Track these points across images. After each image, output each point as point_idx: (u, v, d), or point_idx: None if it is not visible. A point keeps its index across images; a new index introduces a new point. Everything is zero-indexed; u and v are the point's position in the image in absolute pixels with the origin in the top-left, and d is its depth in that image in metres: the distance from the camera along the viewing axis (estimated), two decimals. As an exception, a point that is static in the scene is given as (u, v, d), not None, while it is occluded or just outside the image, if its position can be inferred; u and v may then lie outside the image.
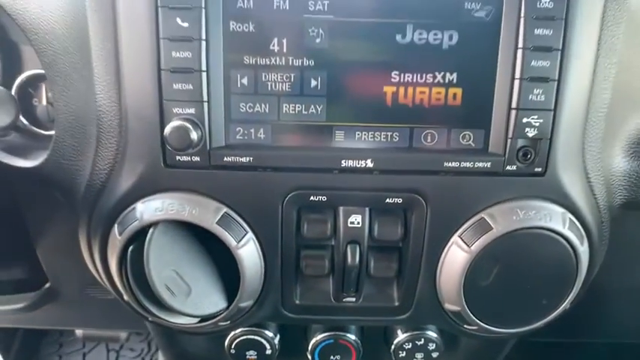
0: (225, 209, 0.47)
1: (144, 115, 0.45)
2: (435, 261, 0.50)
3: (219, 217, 0.46)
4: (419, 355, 0.66)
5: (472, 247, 0.47)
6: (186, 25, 0.42)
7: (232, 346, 0.67)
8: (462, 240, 0.48)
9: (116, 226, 0.48)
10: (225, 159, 0.46)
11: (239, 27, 0.44)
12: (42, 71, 0.60)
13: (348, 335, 0.66)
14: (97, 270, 0.54)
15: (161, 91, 0.44)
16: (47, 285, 0.78)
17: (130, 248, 0.46)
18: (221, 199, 0.47)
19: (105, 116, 0.48)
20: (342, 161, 0.46)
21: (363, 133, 0.46)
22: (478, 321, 0.50)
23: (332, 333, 0.66)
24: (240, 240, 0.47)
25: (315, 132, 0.46)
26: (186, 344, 0.73)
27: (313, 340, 0.67)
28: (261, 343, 0.67)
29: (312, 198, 0.47)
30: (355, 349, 0.67)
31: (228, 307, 0.49)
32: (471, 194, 0.48)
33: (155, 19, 0.43)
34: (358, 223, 0.48)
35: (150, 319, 0.51)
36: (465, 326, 0.53)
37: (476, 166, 0.46)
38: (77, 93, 0.50)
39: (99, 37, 0.46)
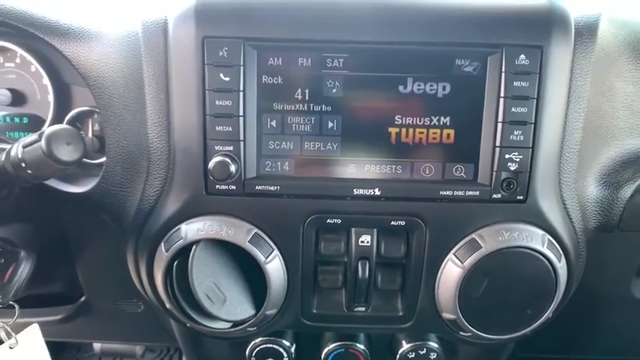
0: (255, 230, 0.56)
1: (190, 152, 0.55)
2: (433, 275, 0.58)
3: (250, 237, 0.55)
4: None
5: (465, 263, 0.55)
6: (227, 79, 0.52)
7: (253, 354, 0.75)
8: (456, 257, 0.56)
9: (163, 244, 0.56)
10: (256, 187, 0.55)
11: (270, 80, 0.54)
12: (88, 108, 0.70)
13: (357, 345, 0.73)
14: (140, 282, 0.63)
15: (205, 132, 0.54)
16: (82, 299, 0.86)
17: (175, 263, 0.55)
18: (252, 221, 0.56)
19: (155, 152, 0.57)
20: (354, 190, 0.55)
21: (372, 166, 0.55)
22: (471, 328, 0.58)
23: (343, 343, 0.73)
24: (268, 256, 0.55)
25: (331, 165, 0.55)
26: (210, 352, 0.81)
27: (326, 349, 0.74)
28: (279, 351, 0.74)
29: (328, 221, 0.56)
30: (364, 358, 0.74)
31: (256, 315, 0.57)
32: (463, 218, 0.56)
33: (202, 74, 0.53)
34: (367, 242, 0.57)
35: (188, 324, 0.59)
36: (461, 333, 0.61)
37: (467, 194, 0.55)
38: (129, 131, 0.59)
39: (153, 89, 0.56)
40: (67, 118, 0.71)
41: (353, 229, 0.57)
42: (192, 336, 0.78)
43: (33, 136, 0.52)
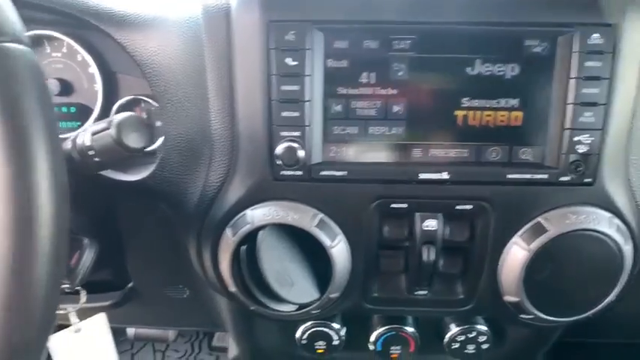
0: (321, 215, 0.56)
1: (255, 138, 0.54)
2: (496, 258, 0.58)
3: (317, 222, 0.55)
4: (470, 347, 0.73)
5: (531, 246, 0.55)
6: (295, 63, 0.52)
7: (303, 338, 0.75)
8: (522, 240, 0.56)
9: (228, 229, 0.57)
10: (321, 173, 0.55)
11: (335, 63, 0.53)
12: (136, 96, 0.70)
13: (407, 328, 0.74)
14: (202, 267, 0.63)
15: (270, 118, 0.53)
16: (130, 285, 0.87)
17: (244, 248, 0.55)
18: (317, 206, 0.56)
19: (219, 139, 0.57)
20: (420, 174, 0.54)
21: (437, 149, 0.55)
22: (535, 310, 0.58)
23: (393, 326, 0.74)
24: (334, 240, 0.56)
25: (397, 149, 0.55)
26: (260, 335, 0.82)
27: (376, 332, 0.75)
28: (329, 334, 0.75)
29: (393, 205, 0.56)
30: (414, 340, 0.75)
31: (320, 298, 0.57)
32: (529, 201, 0.55)
33: (267, 59, 0.52)
34: (433, 226, 0.56)
35: (252, 307, 0.60)
36: (522, 316, 0.61)
37: (534, 177, 0.54)
38: (188, 118, 0.59)
39: (216, 75, 0.55)
40: (115, 106, 0.71)
41: (417, 214, 0.57)
42: (244, 319, 0.79)
43: (101, 124, 0.53)
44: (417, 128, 0.54)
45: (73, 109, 0.80)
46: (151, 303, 0.91)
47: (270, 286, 0.54)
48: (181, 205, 0.62)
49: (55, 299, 0.40)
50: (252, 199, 0.56)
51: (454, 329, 0.73)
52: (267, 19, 0.51)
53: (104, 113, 0.75)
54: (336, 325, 0.74)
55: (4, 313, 0.38)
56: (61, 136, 0.42)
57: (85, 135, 0.53)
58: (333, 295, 0.59)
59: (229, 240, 0.56)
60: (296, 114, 0.52)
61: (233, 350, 0.87)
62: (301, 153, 0.52)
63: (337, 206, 0.56)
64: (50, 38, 0.77)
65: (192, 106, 0.58)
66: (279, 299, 0.55)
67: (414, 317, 0.74)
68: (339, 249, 0.56)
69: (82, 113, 0.79)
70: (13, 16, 0.39)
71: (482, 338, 0.73)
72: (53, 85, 0.76)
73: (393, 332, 0.74)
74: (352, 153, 0.55)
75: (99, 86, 0.74)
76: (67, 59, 0.78)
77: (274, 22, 0.51)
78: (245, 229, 0.55)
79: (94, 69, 0.72)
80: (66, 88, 0.77)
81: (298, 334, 0.75)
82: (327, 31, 0.52)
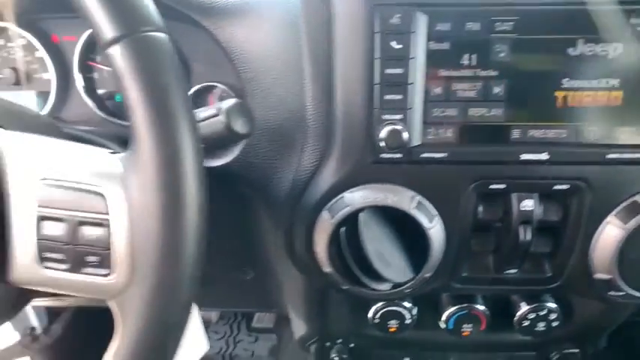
0: (419, 197, 0.57)
1: (355, 122, 0.55)
2: (589, 237, 0.59)
3: (415, 204, 0.56)
4: (540, 324, 0.75)
5: (627, 225, 0.56)
6: (399, 46, 0.52)
7: (376, 317, 0.77)
8: (618, 219, 0.57)
9: (325, 212, 0.58)
10: (421, 155, 0.55)
11: (437, 46, 0.53)
12: (209, 83, 0.70)
13: (477, 306, 0.75)
14: (290, 249, 0.65)
15: (372, 101, 0.54)
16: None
17: (342, 229, 0.57)
18: (415, 188, 0.57)
19: (314, 124, 0.58)
20: (521, 155, 0.55)
21: (537, 130, 0.55)
22: (627, 287, 0.59)
23: (464, 305, 0.76)
24: (432, 222, 0.57)
25: (496, 130, 0.56)
26: (332, 316, 0.84)
27: (448, 311, 0.76)
28: (402, 313, 0.77)
29: (491, 186, 0.57)
30: (485, 318, 0.76)
31: (414, 277, 0.59)
32: (627, 181, 0.56)
33: (371, 43, 0.53)
34: (529, 206, 0.57)
35: (345, 287, 0.61)
36: (610, 293, 0.62)
37: (633, 157, 0.55)
38: (280, 104, 0.60)
39: (314, 60, 0.56)
40: (189, 93, 0.72)
41: (514, 195, 0.57)
42: (317, 300, 0.81)
43: (208, 111, 0.54)
44: (516, 109, 0.55)
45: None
46: (214, 286, 0.93)
47: (373, 265, 0.55)
48: (268, 188, 0.63)
49: (198, 280, 0.41)
50: (349, 182, 0.57)
51: (524, 307, 0.74)
52: (372, 2, 0.51)
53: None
54: (407, 304, 0.76)
55: (158, 293, 0.39)
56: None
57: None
58: (426, 275, 0.60)
59: (327, 222, 0.57)
60: (399, 97, 0.53)
61: (300, 330, 0.90)
62: (405, 135, 0.53)
63: (435, 188, 0.57)
64: None
65: (284, 92, 0.59)
66: (379, 278, 0.57)
67: (482, 296, 0.76)
68: (436, 230, 0.57)
69: None
70: (152, 6, 0.40)
71: (552, 316, 0.74)
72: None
73: (465, 311, 0.76)
74: (451, 135, 0.56)
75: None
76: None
77: (379, 5, 0.51)
78: (344, 212, 0.56)
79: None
80: None
81: (370, 313, 0.77)
82: (430, 14, 0.52)
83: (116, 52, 0.38)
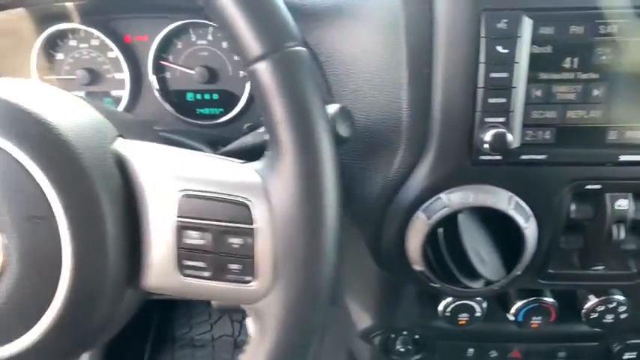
0: (515, 197, 0.58)
1: (454, 125, 0.56)
2: None
3: (513, 204, 0.57)
4: (609, 317, 0.76)
5: None
6: (506, 51, 0.53)
7: (447, 310, 0.79)
8: None
9: (420, 212, 0.59)
10: (520, 157, 0.57)
11: (540, 49, 0.54)
12: None
13: (547, 299, 0.77)
14: (375, 247, 0.66)
15: (474, 104, 0.55)
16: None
17: (440, 230, 0.58)
18: (511, 189, 0.58)
19: (410, 127, 0.58)
20: (620, 156, 0.56)
21: (634, 132, 0.56)
22: None
23: (534, 298, 0.77)
24: (527, 222, 0.58)
25: (594, 132, 0.56)
26: (402, 309, 0.86)
27: (518, 304, 0.78)
28: (473, 306, 0.78)
29: (587, 187, 0.58)
30: (555, 310, 0.78)
31: (506, 275, 0.61)
32: None
33: (476, 47, 0.53)
34: (624, 206, 0.58)
35: (436, 285, 0.63)
36: None
37: None
38: (372, 106, 0.61)
39: (416, 65, 0.56)
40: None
41: (608, 194, 0.59)
42: (391, 294, 0.83)
43: None
44: (615, 111, 0.56)
45: (215, 96, 0.82)
46: None
47: (473, 264, 0.57)
48: (356, 188, 0.64)
49: (334, 283, 0.43)
50: (446, 183, 0.58)
51: (593, 300, 0.76)
52: (480, 7, 0.52)
53: (251, 100, 0.77)
54: (478, 298, 0.78)
55: (300, 298, 0.41)
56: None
57: None
58: (517, 273, 0.62)
59: (423, 223, 0.59)
60: (503, 100, 0.54)
61: (364, 322, 0.92)
62: (510, 138, 0.54)
63: (532, 188, 0.58)
64: (195, 25, 0.78)
65: (377, 93, 0.60)
66: (473, 276, 0.59)
67: (550, 289, 0.77)
68: (531, 230, 0.59)
69: (224, 101, 0.82)
70: (292, 21, 0.41)
71: (621, 308, 0.76)
72: (198, 74, 0.78)
73: (536, 304, 0.77)
74: (549, 136, 0.57)
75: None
76: (212, 46, 0.80)
77: (487, 10, 0.52)
78: (442, 212, 0.57)
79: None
80: (212, 75, 0.79)
81: (441, 307, 0.79)
82: (536, 18, 0.53)
83: (262, 68, 0.39)
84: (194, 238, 0.42)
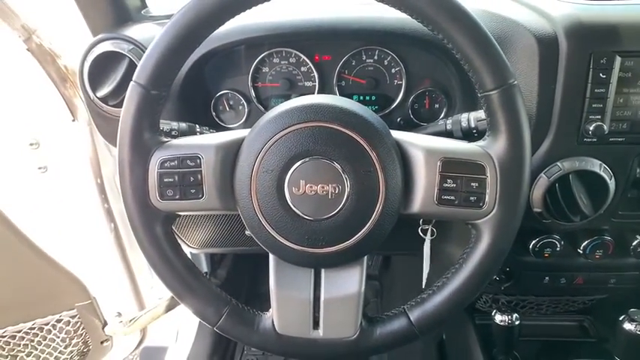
0: (604, 164, 0.93)
1: (569, 119, 0.91)
2: None
3: (602, 169, 0.93)
4: None
5: None
6: (604, 76, 0.88)
7: (537, 246, 1.13)
8: None
9: (543, 174, 0.95)
10: (609, 140, 0.92)
11: (624, 74, 0.88)
12: (425, 88, 1.07)
13: (607, 237, 1.08)
14: None
15: (582, 107, 0.90)
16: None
17: (556, 185, 0.94)
18: (600, 158, 0.93)
19: (540, 119, 0.93)
20: None
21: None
22: None
23: (597, 236, 1.08)
24: (610, 180, 0.93)
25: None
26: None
27: (586, 241, 1.12)
28: (555, 242, 1.13)
29: None
30: (612, 246, 1.09)
31: (595, 213, 0.96)
32: None
33: (586, 74, 0.88)
34: None
35: (547, 221, 0.98)
36: None
37: None
38: None
39: (543, 87, 0.91)
40: (411, 98, 1.09)
41: None
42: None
43: (480, 113, 0.89)
44: (667, 111, 0.92)
45: (374, 98, 1.17)
46: None
47: (578, 205, 0.92)
48: None
49: None
50: (561, 155, 0.94)
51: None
52: (590, 50, 0.87)
53: (402, 102, 1.12)
54: (557, 236, 1.13)
55: (509, 220, 0.76)
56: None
57: (469, 119, 0.90)
58: (600, 212, 0.97)
59: (545, 181, 0.94)
60: (601, 105, 0.89)
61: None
62: (605, 128, 0.90)
63: (614, 158, 0.94)
64: (367, 49, 1.13)
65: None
66: (576, 214, 0.94)
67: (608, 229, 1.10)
68: (612, 184, 0.95)
69: (380, 101, 1.17)
70: (507, 61, 0.75)
71: None
72: (367, 83, 1.13)
73: (599, 240, 1.08)
74: (627, 127, 0.92)
75: (403, 82, 1.11)
76: (377, 63, 1.15)
77: (594, 52, 0.87)
78: (558, 174, 0.93)
79: (400, 70, 1.08)
80: (375, 83, 1.14)
81: (531, 245, 1.14)
82: (622, 56, 0.88)
83: (495, 97, 0.71)
84: (449, 183, 0.76)
